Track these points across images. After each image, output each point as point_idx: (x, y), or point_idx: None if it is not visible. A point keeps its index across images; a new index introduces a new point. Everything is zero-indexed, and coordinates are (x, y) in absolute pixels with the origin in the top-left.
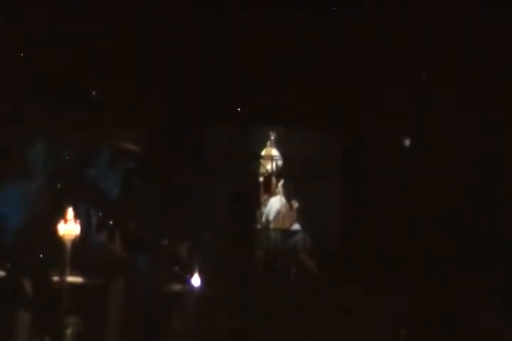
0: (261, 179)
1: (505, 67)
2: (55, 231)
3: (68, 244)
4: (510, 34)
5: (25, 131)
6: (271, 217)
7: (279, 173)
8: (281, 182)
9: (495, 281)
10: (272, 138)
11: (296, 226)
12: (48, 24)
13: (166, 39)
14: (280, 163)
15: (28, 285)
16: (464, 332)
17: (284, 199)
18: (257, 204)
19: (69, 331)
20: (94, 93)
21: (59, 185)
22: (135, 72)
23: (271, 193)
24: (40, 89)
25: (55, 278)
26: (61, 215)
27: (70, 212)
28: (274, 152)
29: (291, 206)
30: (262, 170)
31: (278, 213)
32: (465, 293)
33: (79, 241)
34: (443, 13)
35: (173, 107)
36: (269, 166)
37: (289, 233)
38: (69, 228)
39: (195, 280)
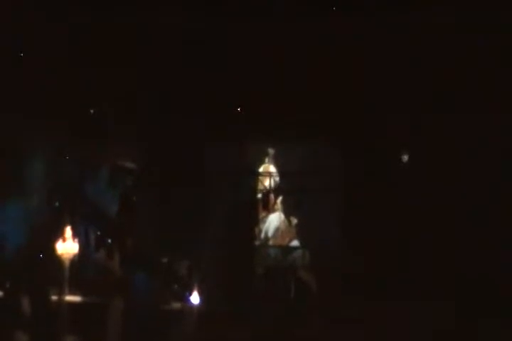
0: (259, 196)
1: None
2: (53, 249)
3: (67, 263)
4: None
5: (24, 148)
6: (270, 234)
7: (278, 190)
8: (280, 198)
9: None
10: (271, 154)
11: (295, 243)
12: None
13: (166, 54)
14: (278, 179)
15: (26, 303)
16: None
17: (282, 216)
18: (256, 221)
19: None
20: (92, 111)
21: (57, 204)
22: (135, 89)
23: (269, 210)
24: (38, 107)
25: (54, 297)
26: (60, 234)
27: (68, 231)
28: (272, 168)
29: (290, 222)
30: (260, 186)
31: (277, 230)
32: (467, 306)
33: (77, 260)
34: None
35: (172, 124)
36: (267, 183)
37: (288, 250)
38: (67, 246)
39: (194, 298)
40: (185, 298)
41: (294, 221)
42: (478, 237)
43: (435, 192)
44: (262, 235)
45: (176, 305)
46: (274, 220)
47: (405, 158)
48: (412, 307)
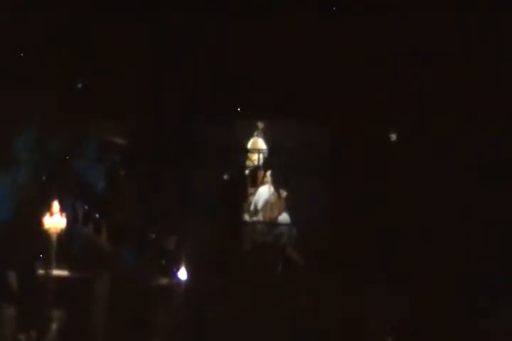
0: (248, 171)
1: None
2: (40, 224)
3: (54, 237)
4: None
5: (11, 122)
6: (259, 206)
7: (267, 164)
8: (270, 171)
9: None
10: (260, 129)
11: (284, 216)
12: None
13: (157, 31)
14: (268, 153)
15: (13, 278)
16: None
17: (272, 189)
18: (244, 197)
19: (54, 325)
20: (80, 85)
21: (44, 177)
22: (125, 65)
23: (257, 186)
24: (28, 80)
25: (41, 272)
26: (47, 208)
27: (55, 205)
28: (261, 143)
29: (279, 195)
30: (248, 161)
31: (266, 202)
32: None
33: (65, 234)
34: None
35: (161, 100)
36: (256, 157)
37: (275, 226)
38: (54, 221)
39: (182, 274)
40: (172, 274)
41: (283, 194)
42: (465, 218)
43: (422, 170)
44: (252, 207)
45: (163, 281)
46: (263, 193)
47: (392, 136)
48: (396, 285)
